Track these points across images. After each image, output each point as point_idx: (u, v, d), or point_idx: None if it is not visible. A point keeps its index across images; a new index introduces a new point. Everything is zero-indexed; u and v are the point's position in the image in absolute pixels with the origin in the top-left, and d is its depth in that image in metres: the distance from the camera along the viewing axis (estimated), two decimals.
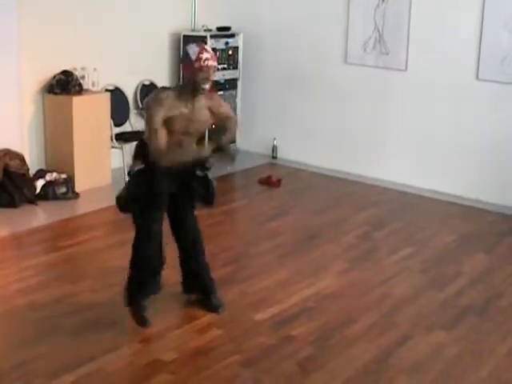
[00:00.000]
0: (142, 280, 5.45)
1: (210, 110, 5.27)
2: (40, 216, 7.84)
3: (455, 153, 8.70)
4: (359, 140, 9.51)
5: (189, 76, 5.05)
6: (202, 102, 5.18)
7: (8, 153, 7.92)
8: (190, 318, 5.46)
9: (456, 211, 8.36)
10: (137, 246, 5.46)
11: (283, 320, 5.51)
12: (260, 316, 5.55)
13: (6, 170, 7.82)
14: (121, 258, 6.49)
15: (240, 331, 5.32)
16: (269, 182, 9.07)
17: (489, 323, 5.65)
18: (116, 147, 8.87)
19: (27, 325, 5.33)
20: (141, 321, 5.33)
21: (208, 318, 5.48)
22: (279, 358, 4.98)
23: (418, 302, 5.95)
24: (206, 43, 9.52)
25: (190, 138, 5.23)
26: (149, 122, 5.01)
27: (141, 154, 5.23)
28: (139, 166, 5.23)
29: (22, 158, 8.03)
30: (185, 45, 9.71)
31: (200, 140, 5.40)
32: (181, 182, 5.40)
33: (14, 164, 7.89)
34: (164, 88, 5.27)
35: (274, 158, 10.26)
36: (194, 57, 5.00)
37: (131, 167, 5.34)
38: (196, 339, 5.17)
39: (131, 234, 6.00)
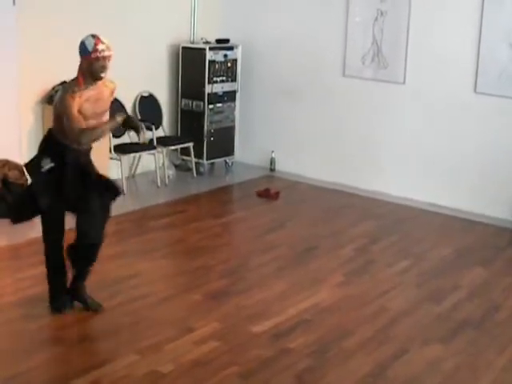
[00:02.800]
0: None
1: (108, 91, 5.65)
2: (37, 227, 7.72)
3: (453, 166, 8.72)
4: (357, 153, 9.52)
5: (86, 66, 5.37)
6: (101, 86, 5.52)
7: (7, 163, 7.91)
8: (187, 330, 5.45)
9: (453, 224, 8.37)
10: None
11: (281, 332, 5.51)
12: (257, 328, 5.55)
13: (5, 181, 7.82)
14: (118, 269, 6.53)
15: (237, 343, 5.32)
16: (267, 195, 9.07)
17: (486, 337, 5.65)
18: (114, 158, 8.88)
19: (24, 336, 5.33)
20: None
21: (205, 330, 5.48)
22: (277, 370, 4.98)
23: (415, 316, 5.95)
24: (205, 55, 9.57)
25: (100, 117, 5.56)
26: (67, 113, 5.28)
27: (49, 148, 5.56)
28: (49, 165, 5.50)
29: (20, 169, 8.02)
30: (184, 57, 9.78)
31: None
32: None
33: (12, 175, 7.88)
34: (67, 83, 5.63)
35: (272, 170, 10.27)
36: (90, 48, 5.34)
37: (40, 163, 5.54)
38: (193, 351, 5.17)
39: (130, 245, 6.06)
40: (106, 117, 5.66)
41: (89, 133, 5.41)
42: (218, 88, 9.89)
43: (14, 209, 5.96)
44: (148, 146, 8.97)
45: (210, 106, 9.82)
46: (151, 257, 6.94)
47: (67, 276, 5.79)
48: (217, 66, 9.82)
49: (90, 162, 5.81)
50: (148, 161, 9.58)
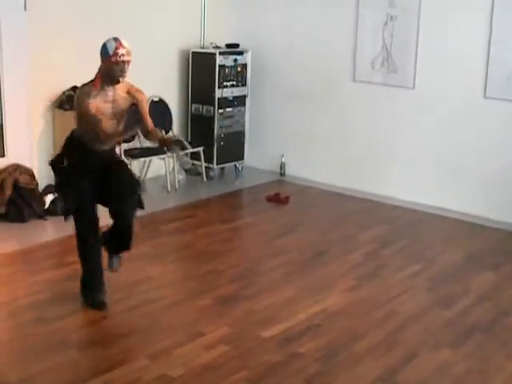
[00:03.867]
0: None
1: (128, 94, 5.73)
2: (49, 231, 7.87)
3: (462, 170, 8.72)
4: (367, 158, 9.53)
5: (105, 68, 5.48)
6: (119, 90, 5.62)
7: (18, 168, 7.96)
8: (197, 334, 5.46)
9: (463, 229, 8.37)
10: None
11: (290, 337, 5.52)
12: (267, 333, 5.56)
13: (16, 185, 7.87)
14: (129, 274, 6.55)
15: (247, 348, 5.33)
16: (277, 200, 9.09)
17: (495, 341, 5.64)
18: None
19: (35, 339, 5.35)
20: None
21: (215, 334, 5.49)
22: (286, 374, 4.99)
23: (425, 320, 5.95)
24: (215, 60, 9.60)
25: (120, 118, 5.70)
26: (84, 113, 5.51)
27: (70, 148, 5.81)
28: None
29: (31, 174, 8.08)
30: (194, 62, 9.81)
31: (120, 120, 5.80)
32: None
33: (23, 179, 7.94)
34: (85, 84, 5.66)
35: (282, 175, 10.29)
36: (111, 51, 5.43)
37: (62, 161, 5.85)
38: (203, 355, 5.18)
39: (139, 250, 6.07)
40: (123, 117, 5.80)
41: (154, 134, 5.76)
42: (228, 93, 9.92)
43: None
44: (158, 150, 9.00)
45: (220, 111, 9.85)
46: (161, 261, 6.96)
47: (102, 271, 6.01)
48: (227, 70, 9.86)
49: (113, 163, 5.92)
50: (158, 165, 9.61)
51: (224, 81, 9.85)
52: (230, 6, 10.41)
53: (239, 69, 10.06)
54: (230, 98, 9.98)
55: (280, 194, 9.17)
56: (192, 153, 9.86)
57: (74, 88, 8.33)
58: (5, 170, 7.90)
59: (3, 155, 8.06)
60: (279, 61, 10.20)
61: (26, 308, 5.86)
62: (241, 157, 10.36)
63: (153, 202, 8.81)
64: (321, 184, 9.81)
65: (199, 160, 9.83)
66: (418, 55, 8.91)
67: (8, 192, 7.80)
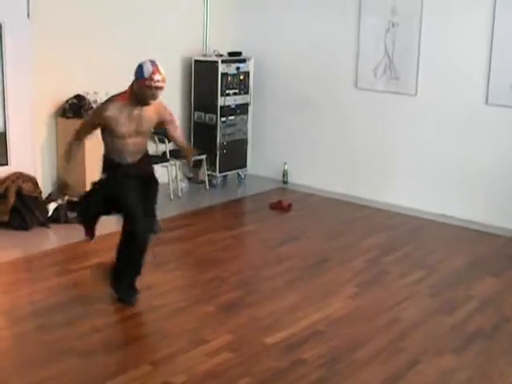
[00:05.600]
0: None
1: (158, 115, 5.86)
2: (52, 239, 7.89)
3: (464, 177, 8.73)
4: (370, 165, 9.54)
5: (138, 90, 5.50)
6: (148, 109, 5.71)
7: (21, 176, 7.98)
8: (200, 341, 5.47)
9: (466, 235, 8.37)
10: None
11: (293, 344, 5.52)
12: (270, 340, 5.56)
13: (19, 193, 7.88)
14: None
15: (250, 354, 5.34)
16: (279, 207, 9.10)
17: (498, 347, 5.65)
18: None
19: (38, 347, 5.36)
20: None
21: (218, 341, 5.50)
22: (290, 381, 4.99)
23: (428, 327, 5.96)
24: (217, 68, 9.62)
25: (144, 136, 5.80)
26: (105, 124, 5.63)
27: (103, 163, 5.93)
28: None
29: (34, 181, 8.10)
30: (196, 70, 9.83)
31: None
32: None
33: (26, 187, 7.96)
34: (113, 96, 5.69)
35: (285, 182, 10.30)
36: (146, 74, 5.43)
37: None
38: (206, 362, 5.19)
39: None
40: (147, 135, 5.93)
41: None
42: (231, 101, 9.94)
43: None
44: (161, 158, 9.04)
45: (223, 119, 9.86)
46: (164, 268, 6.97)
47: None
48: (229, 78, 9.88)
49: (146, 181, 5.99)
50: (161, 173, 9.61)
51: (226, 89, 9.87)
52: (232, 15, 10.44)
53: (242, 77, 10.08)
54: (233, 106, 10.00)
55: (283, 201, 9.18)
56: (195, 161, 9.87)
57: (77, 96, 8.37)
58: (8, 178, 7.92)
59: (6, 163, 8.07)
60: (281, 69, 10.23)
61: (29, 316, 5.87)
62: (243, 165, 10.37)
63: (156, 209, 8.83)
64: (323, 191, 9.82)
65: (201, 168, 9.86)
66: (419, 62, 8.93)
67: (11, 200, 7.82)
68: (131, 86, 5.58)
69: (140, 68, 5.50)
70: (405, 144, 9.22)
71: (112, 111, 5.52)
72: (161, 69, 5.52)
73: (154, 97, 5.53)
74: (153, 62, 5.51)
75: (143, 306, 6.05)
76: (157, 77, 5.45)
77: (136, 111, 5.59)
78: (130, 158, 5.79)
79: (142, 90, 5.48)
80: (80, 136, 5.80)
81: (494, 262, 7.57)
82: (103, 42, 8.83)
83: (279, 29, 10.18)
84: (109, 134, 5.64)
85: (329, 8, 9.67)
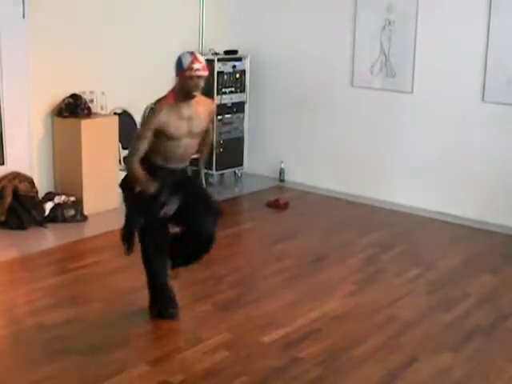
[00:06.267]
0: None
1: (208, 114, 5.61)
2: (49, 238, 7.89)
3: (461, 174, 8.73)
4: (366, 162, 9.54)
5: (180, 83, 5.32)
6: (196, 105, 5.45)
7: (17, 176, 7.98)
8: (197, 340, 5.47)
9: (463, 233, 8.37)
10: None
11: (291, 342, 5.53)
12: (267, 338, 5.57)
13: (16, 193, 7.87)
14: (129, 281, 6.56)
15: (247, 353, 5.34)
16: (276, 205, 9.10)
17: (496, 344, 5.65)
18: (124, 170, 8.89)
19: (36, 346, 5.36)
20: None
21: (215, 339, 5.50)
22: (287, 379, 4.99)
23: (425, 324, 5.96)
24: (213, 67, 9.61)
25: (196, 137, 5.55)
26: (139, 129, 5.48)
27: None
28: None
29: (31, 181, 8.09)
30: None
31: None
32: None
33: (23, 187, 7.95)
34: (158, 101, 5.48)
35: (282, 180, 10.30)
36: (185, 65, 5.24)
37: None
38: (203, 361, 5.19)
39: (138, 257, 6.05)
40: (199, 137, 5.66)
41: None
42: (227, 99, 9.93)
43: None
44: None
45: (219, 117, 9.85)
46: None
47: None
48: (225, 77, 9.87)
49: (185, 180, 5.79)
50: None
51: (223, 87, 9.86)
52: (228, 13, 10.43)
53: (238, 75, 10.08)
54: (229, 105, 10.00)
55: (279, 199, 9.18)
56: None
57: (73, 95, 8.36)
58: (4, 177, 7.91)
59: (3, 163, 8.07)
60: (278, 67, 10.22)
61: (27, 315, 5.87)
62: (240, 163, 10.37)
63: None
64: (320, 189, 9.83)
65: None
66: (416, 60, 8.93)
67: (8, 200, 7.81)
68: (174, 86, 5.42)
69: (179, 60, 5.32)
70: (401, 142, 9.22)
71: (163, 114, 5.29)
72: (199, 57, 5.33)
73: (197, 87, 5.31)
74: (191, 53, 5.34)
75: (140, 305, 6.03)
76: (196, 65, 5.25)
77: (186, 110, 5.38)
78: (176, 164, 5.54)
79: (184, 82, 5.29)
80: (139, 156, 5.34)
81: (491, 259, 7.57)
82: (99, 42, 8.82)
83: (275, 27, 10.17)
84: (159, 136, 5.34)
85: (325, 6, 9.66)
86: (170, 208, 5.33)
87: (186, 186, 5.65)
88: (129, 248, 5.69)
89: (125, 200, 5.76)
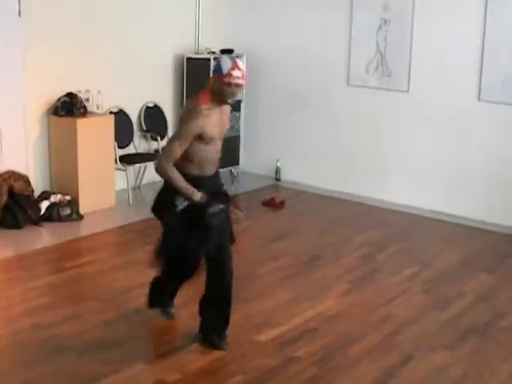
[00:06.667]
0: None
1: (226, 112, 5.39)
2: (44, 237, 7.88)
3: (457, 173, 8.73)
4: (362, 161, 9.54)
5: (216, 88, 5.09)
6: (225, 110, 5.30)
7: (13, 174, 7.97)
8: (192, 339, 5.46)
9: (459, 232, 8.38)
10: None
11: (286, 341, 5.53)
12: (263, 337, 5.57)
13: (11, 192, 7.86)
14: (125, 280, 6.56)
15: (243, 352, 5.34)
16: (272, 204, 9.10)
17: (491, 343, 5.66)
18: (120, 169, 8.92)
19: (32, 345, 5.35)
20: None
21: None
22: (283, 378, 5.00)
23: (421, 323, 5.97)
24: (209, 65, 9.60)
25: (222, 140, 5.33)
26: (201, 134, 5.04)
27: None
28: (184, 203, 5.11)
29: (26, 180, 8.08)
30: (188, 67, 9.80)
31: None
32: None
33: (18, 186, 7.94)
34: (190, 104, 5.25)
35: (278, 179, 10.29)
36: (225, 70, 5.03)
37: (173, 202, 5.15)
38: (200, 360, 5.19)
39: (134, 256, 6.08)
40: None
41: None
42: None
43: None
44: (154, 156, 9.04)
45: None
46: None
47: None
48: None
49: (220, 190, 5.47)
50: (153, 171, 9.58)
51: None
52: (224, 12, 10.42)
53: None
54: None
55: (275, 198, 9.18)
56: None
57: (69, 94, 8.35)
58: (0, 176, 7.89)
59: None
60: (274, 66, 10.21)
61: (23, 314, 5.86)
62: (236, 162, 10.34)
63: (148, 208, 8.81)
64: (316, 188, 9.82)
65: None
66: (412, 59, 8.93)
67: (3, 198, 7.80)
68: (208, 88, 5.17)
69: (218, 64, 5.13)
70: (397, 141, 9.22)
71: (205, 114, 5.04)
72: (240, 65, 5.14)
73: (234, 95, 5.14)
74: (231, 58, 5.17)
75: (136, 304, 6.02)
76: (236, 73, 5.04)
77: (218, 112, 5.18)
78: (211, 169, 5.26)
79: (220, 88, 5.06)
80: (174, 158, 5.05)
81: (487, 258, 7.58)
82: (95, 40, 8.81)
83: (271, 26, 10.17)
84: (195, 142, 5.06)
85: (321, 5, 9.66)
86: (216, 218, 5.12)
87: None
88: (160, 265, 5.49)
89: (162, 222, 5.40)
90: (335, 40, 9.58)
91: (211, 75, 5.21)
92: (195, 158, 5.12)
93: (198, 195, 5.01)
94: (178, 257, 5.24)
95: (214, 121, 5.09)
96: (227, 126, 5.38)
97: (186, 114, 5.12)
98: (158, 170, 5.16)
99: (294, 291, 6.51)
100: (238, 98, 9.93)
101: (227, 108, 5.35)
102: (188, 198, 5.02)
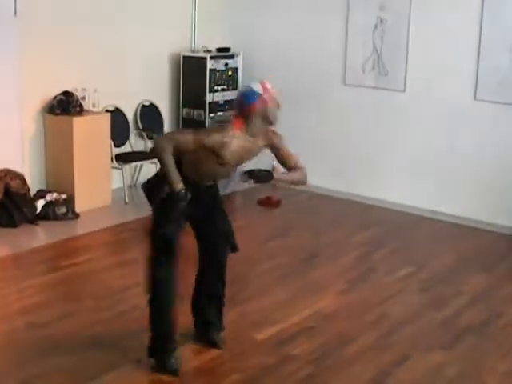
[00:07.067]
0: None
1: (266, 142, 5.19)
2: (40, 236, 7.86)
3: (453, 173, 8.73)
4: (359, 160, 9.54)
5: (260, 112, 4.87)
6: (259, 139, 5.08)
7: (9, 173, 7.95)
8: (189, 338, 5.45)
9: (454, 231, 8.38)
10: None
11: (283, 339, 5.52)
12: (260, 336, 5.56)
13: (7, 190, 7.85)
14: (120, 278, 6.56)
15: (240, 350, 5.33)
16: (268, 203, 9.09)
17: (488, 343, 5.66)
18: (116, 168, 8.90)
19: (27, 344, 5.34)
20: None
21: None
22: (280, 377, 5.00)
23: (417, 322, 5.96)
24: (205, 64, 9.62)
25: (239, 166, 5.19)
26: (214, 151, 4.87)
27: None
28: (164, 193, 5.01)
29: (22, 178, 8.06)
30: (185, 66, 9.79)
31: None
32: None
33: (14, 184, 7.92)
34: (226, 125, 5.02)
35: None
36: (260, 90, 4.86)
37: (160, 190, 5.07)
38: (196, 358, 5.18)
39: (130, 255, 6.07)
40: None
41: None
42: (219, 97, 9.91)
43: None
44: (150, 154, 9.04)
45: (211, 115, 9.83)
46: None
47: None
48: (218, 74, 9.86)
49: (214, 199, 5.37)
50: (149, 170, 9.59)
51: (215, 85, 9.84)
52: (220, 10, 10.41)
53: (230, 73, 10.06)
54: (221, 102, 9.97)
55: (271, 197, 9.17)
56: None
57: (65, 93, 8.33)
58: None
59: None
60: (270, 65, 10.20)
61: (18, 313, 5.86)
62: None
63: (144, 206, 8.78)
64: (312, 187, 9.78)
65: None
66: (408, 58, 8.93)
67: None
68: (241, 117, 4.91)
69: (249, 90, 4.90)
70: (393, 140, 9.21)
71: (229, 139, 4.84)
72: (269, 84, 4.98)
73: (276, 114, 4.99)
74: (254, 81, 4.99)
75: (132, 303, 6.02)
76: (273, 90, 4.93)
77: (249, 143, 4.98)
78: (209, 181, 5.21)
79: (264, 110, 4.86)
80: (172, 145, 4.83)
81: (483, 257, 7.58)
82: (91, 39, 8.79)
83: (267, 25, 10.15)
84: (206, 156, 4.89)
85: (317, 4, 9.65)
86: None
87: (216, 202, 5.38)
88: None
89: (151, 203, 5.27)
90: (332, 39, 9.57)
91: (247, 104, 4.87)
92: (202, 170, 5.02)
93: (179, 186, 4.84)
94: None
95: (235, 148, 4.89)
96: (252, 157, 5.18)
97: (215, 128, 5.02)
98: (155, 147, 5.11)
99: (290, 290, 6.50)
100: (233, 97, 10.04)
101: (261, 141, 5.10)
102: (169, 184, 4.88)
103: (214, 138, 4.82)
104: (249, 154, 5.09)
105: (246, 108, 4.87)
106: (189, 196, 4.89)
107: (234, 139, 4.87)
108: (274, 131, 5.20)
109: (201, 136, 4.85)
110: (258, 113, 4.87)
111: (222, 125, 5.08)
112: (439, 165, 8.83)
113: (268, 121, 4.97)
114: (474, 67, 8.43)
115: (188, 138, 4.85)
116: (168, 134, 5.18)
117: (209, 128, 4.97)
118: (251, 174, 5.05)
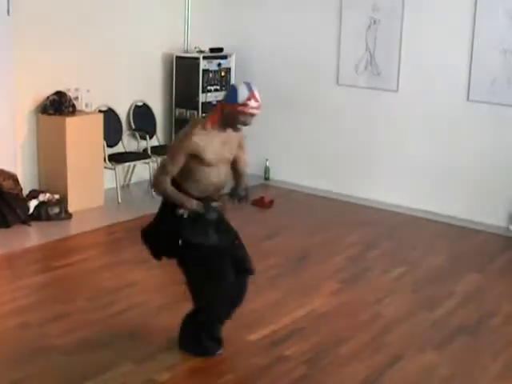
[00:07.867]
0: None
1: (237, 139, 5.23)
2: (33, 236, 7.85)
3: (446, 173, 8.75)
4: (352, 161, 9.55)
5: (229, 114, 4.90)
6: (233, 134, 5.10)
7: (1, 173, 7.93)
8: None
9: (448, 231, 8.40)
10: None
11: (276, 340, 5.52)
12: (253, 336, 5.56)
13: None
14: (113, 279, 6.55)
15: (233, 351, 5.33)
16: (261, 203, 9.08)
17: (481, 343, 5.67)
18: (109, 168, 8.90)
19: (20, 345, 5.33)
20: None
21: None
22: (273, 377, 4.99)
23: (410, 322, 5.97)
24: (198, 64, 9.61)
25: (227, 163, 5.18)
26: (171, 152, 5.00)
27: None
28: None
29: (15, 179, 8.04)
30: (178, 66, 9.80)
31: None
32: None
33: (7, 184, 7.90)
34: (194, 121, 5.16)
35: (267, 179, 10.29)
36: (241, 99, 4.83)
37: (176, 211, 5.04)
38: (189, 359, 5.17)
39: (124, 255, 6.05)
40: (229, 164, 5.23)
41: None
42: (212, 97, 9.91)
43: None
44: (143, 155, 9.05)
45: (204, 115, 9.78)
46: (146, 266, 6.90)
47: None
48: (210, 74, 9.87)
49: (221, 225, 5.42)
50: (142, 170, 9.60)
51: (208, 85, 9.85)
52: (214, 11, 10.41)
53: (223, 73, 10.07)
54: (214, 103, 9.95)
55: (264, 197, 9.17)
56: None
57: (58, 93, 8.33)
58: None
59: None
60: (263, 65, 10.21)
61: (10, 313, 5.84)
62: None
63: (137, 206, 8.80)
64: (305, 188, 9.83)
65: None
66: (401, 58, 8.95)
67: None
68: (220, 109, 4.95)
69: (234, 91, 4.87)
70: (387, 140, 9.23)
71: (200, 136, 4.86)
72: (257, 94, 4.91)
73: (246, 124, 4.99)
74: (249, 86, 4.90)
75: (125, 303, 6.03)
76: (252, 103, 4.86)
77: (222, 135, 4.97)
78: (214, 192, 5.16)
79: (233, 115, 4.87)
80: (170, 177, 4.92)
81: (475, 257, 7.59)
82: (84, 39, 8.79)
83: (260, 25, 10.16)
84: (193, 162, 4.92)
85: (310, 5, 9.66)
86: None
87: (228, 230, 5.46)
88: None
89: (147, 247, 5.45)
90: (325, 39, 9.58)
91: (225, 100, 4.94)
92: (196, 179, 4.99)
93: (192, 202, 4.91)
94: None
95: (213, 145, 4.90)
96: (234, 151, 5.18)
97: (183, 133, 5.00)
98: (154, 186, 5.12)
99: (283, 290, 6.50)
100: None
101: (237, 134, 5.15)
102: (184, 207, 4.94)
103: (184, 147, 4.87)
104: (228, 149, 5.09)
105: (225, 103, 4.94)
106: (213, 206, 5.06)
107: (205, 138, 4.89)
108: (242, 132, 5.29)
109: (174, 153, 4.93)
110: (228, 114, 4.90)
111: (191, 126, 5.03)
112: (432, 165, 8.85)
113: (230, 125, 4.98)
114: (466, 68, 8.45)
115: (169, 162, 4.93)
116: (157, 170, 5.17)
117: (179, 136, 4.96)
118: (235, 194, 5.37)
